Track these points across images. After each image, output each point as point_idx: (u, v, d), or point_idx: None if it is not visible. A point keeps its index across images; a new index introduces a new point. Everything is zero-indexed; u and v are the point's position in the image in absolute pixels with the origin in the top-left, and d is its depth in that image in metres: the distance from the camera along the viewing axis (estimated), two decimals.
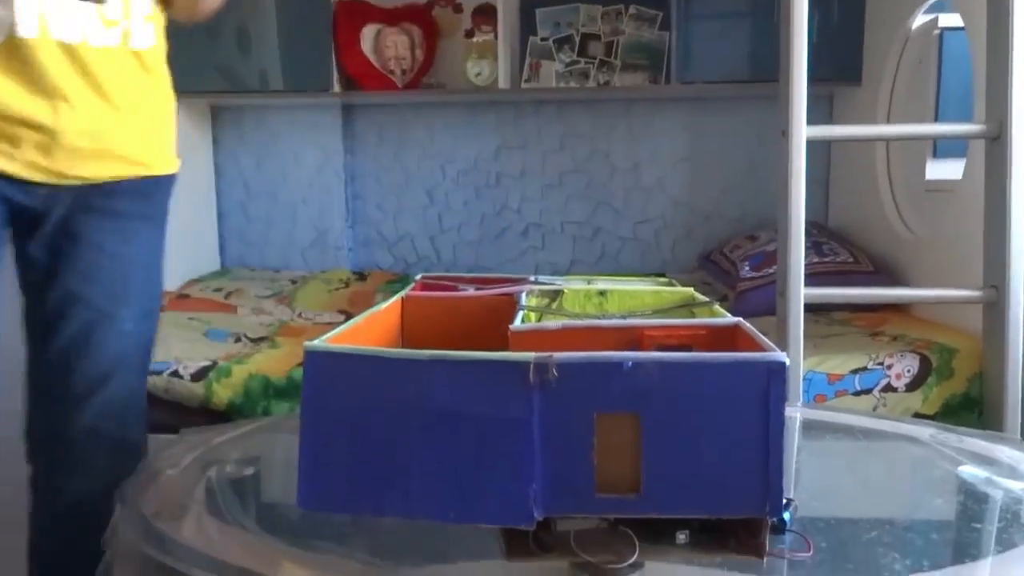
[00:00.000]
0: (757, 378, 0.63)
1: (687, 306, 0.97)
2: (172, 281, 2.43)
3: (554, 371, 0.63)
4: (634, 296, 1.03)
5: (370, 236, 2.85)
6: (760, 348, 0.70)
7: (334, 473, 0.59)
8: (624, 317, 0.92)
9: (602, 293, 1.03)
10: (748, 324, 0.80)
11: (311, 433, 0.66)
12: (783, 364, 0.63)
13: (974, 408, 1.47)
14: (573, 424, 0.59)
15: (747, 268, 2.13)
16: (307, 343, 0.67)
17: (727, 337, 0.81)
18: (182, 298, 2.26)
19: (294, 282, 2.52)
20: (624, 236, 2.75)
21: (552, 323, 0.81)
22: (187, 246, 2.62)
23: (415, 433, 0.61)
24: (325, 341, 0.71)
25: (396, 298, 0.99)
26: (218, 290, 2.38)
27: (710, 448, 0.64)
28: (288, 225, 2.82)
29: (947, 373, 1.49)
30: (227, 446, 1.01)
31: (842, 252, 2.07)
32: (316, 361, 0.66)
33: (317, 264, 2.78)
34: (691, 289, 1.04)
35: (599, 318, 0.91)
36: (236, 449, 1.00)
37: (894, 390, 1.49)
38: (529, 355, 0.64)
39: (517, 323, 0.83)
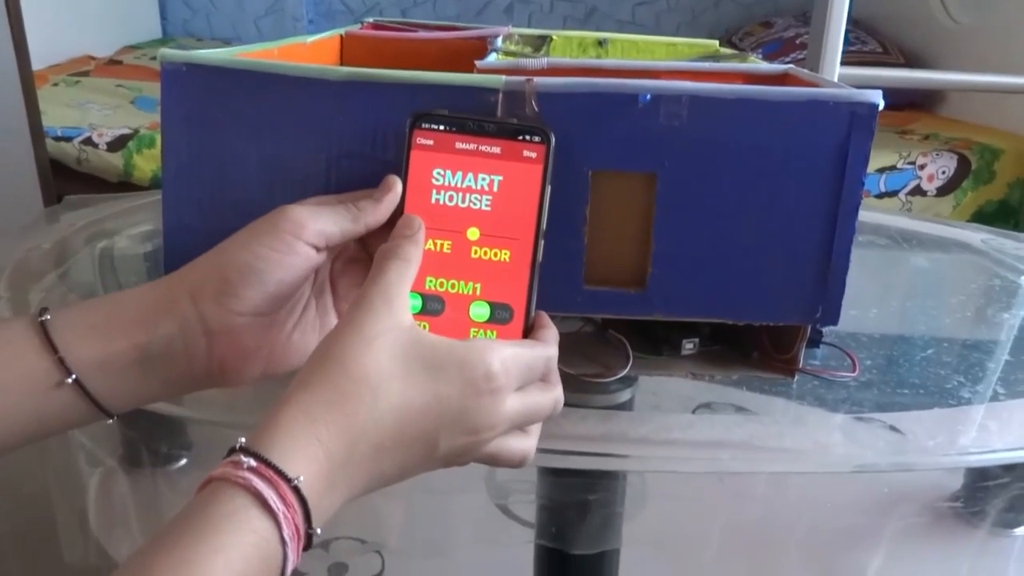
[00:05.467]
0: (835, 127, 0.43)
1: (712, 58, 0.75)
2: (104, 47, 2.13)
3: (534, 103, 0.43)
4: (642, 47, 0.79)
5: (332, 6, 2.50)
6: None
7: (206, 245, 0.41)
8: None
9: (601, 43, 0.80)
10: (803, 70, 0.58)
11: (174, 188, 0.46)
12: (875, 107, 0.43)
13: (1010, 218, 1.30)
14: (557, 184, 0.40)
15: (760, 57, 1.87)
16: (163, 50, 0.45)
17: None
18: (113, 64, 1.97)
19: None
20: (622, 19, 2.44)
21: (534, 60, 0.59)
22: (121, 8, 2.28)
23: (320, 190, 0.41)
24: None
25: (333, 32, 0.76)
26: (155, 59, 2.08)
27: (750, 227, 0.45)
28: None
29: (986, 177, 1.29)
30: (120, 218, 0.81)
31: (871, 42, 1.80)
32: (177, 82, 0.45)
33: (272, 36, 2.45)
34: (716, 43, 0.81)
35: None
36: (132, 222, 0.80)
37: (923, 193, 1.30)
38: (498, 78, 0.43)
39: (488, 60, 0.60)
